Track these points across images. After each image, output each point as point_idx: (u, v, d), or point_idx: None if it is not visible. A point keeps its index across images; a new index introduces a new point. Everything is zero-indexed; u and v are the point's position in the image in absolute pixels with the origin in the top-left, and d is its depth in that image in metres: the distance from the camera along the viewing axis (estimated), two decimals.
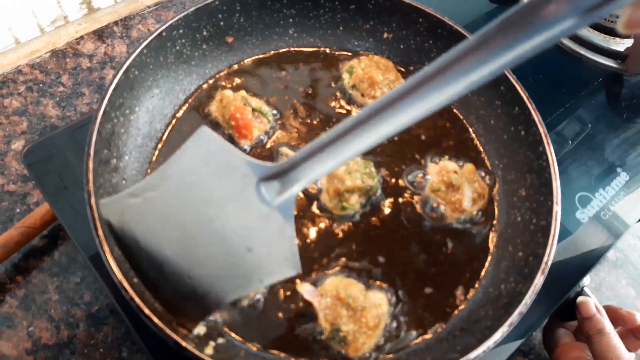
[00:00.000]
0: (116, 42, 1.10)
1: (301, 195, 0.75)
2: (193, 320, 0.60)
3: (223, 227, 0.55)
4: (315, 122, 0.82)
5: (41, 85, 1.03)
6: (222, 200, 0.55)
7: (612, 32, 1.04)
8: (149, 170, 0.72)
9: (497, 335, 0.58)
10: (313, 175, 0.52)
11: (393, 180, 0.78)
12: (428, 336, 0.66)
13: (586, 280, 0.82)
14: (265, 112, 0.79)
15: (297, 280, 0.67)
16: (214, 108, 0.78)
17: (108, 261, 0.55)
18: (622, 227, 0.85)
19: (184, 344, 0.53)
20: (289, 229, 0.55)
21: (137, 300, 0.54)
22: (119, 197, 0.59)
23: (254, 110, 0.77)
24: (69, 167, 0.78)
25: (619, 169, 0.91)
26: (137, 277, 0.58)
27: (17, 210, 0.90)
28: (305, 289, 0.64)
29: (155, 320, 0.53)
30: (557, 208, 0.67)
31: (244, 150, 0.77)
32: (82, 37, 1.10)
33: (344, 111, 0.83)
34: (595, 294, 0.82)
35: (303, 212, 0.73)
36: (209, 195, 0.56)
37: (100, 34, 1.11)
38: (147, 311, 0.54)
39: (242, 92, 0.78)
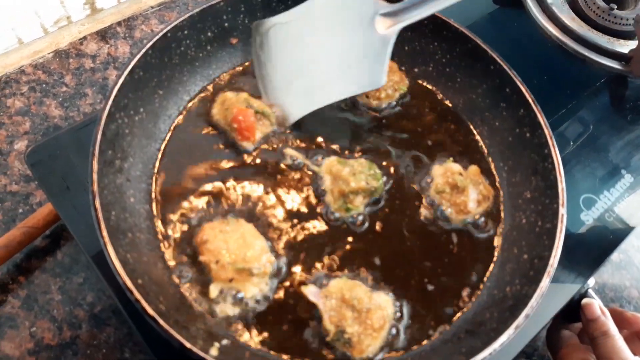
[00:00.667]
0: (119, 42, 1.10)
1: (308, 196, 0.75)
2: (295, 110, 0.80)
3: (337, 46, 0.78)
4: (319, 124, 0.81)
5: (44, 85, 1.03)
6: (344, 27, 0.77)
7: (616, 34, 1.04)
8: (154, 171, 0.72)
9: (504, 338, 0.58)
10: (414, 18, 0.74)
11: (398, 182, 0.77)
12: (433, 338, 0.66)
13: (590, 282, 0.81)
14: (268, 114, 0.79)
15: (305, 282, 0.68)
16: (215, 111, 0.78)
17: (113, 262, 0.55)
18: (626, 229, 0.85)
19: (188, 345, 0.53)
20: (384, 53, 0.75)
21: (142, 301, 0.53)
22: (268, 21, 0.80)
23: (256, 112, 0.77)
24: (72, 168, 0.78)
25: (623, 171, 0.90)
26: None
27: (20, 210, 0.90)
28: (310, 291, 0.64)
29: (161, 321, 0.53)
30: (563, 210, 0.67)
31: (247, 152, 0.77)
32: (85, 38, 1.09)
33: (346, 111, 0.83)
34: (598, 296, 0.82)
35: (308, 214, 0.73)
36: (334, 23, 0.78)
37: (103, 35, 1.11)
38: (151, 312, 0.53)
39: (244, 94, 0.78)
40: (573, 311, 0.82)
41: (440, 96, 0.86)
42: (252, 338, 0.63)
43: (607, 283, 1.00)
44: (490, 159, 0.80)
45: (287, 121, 0.80)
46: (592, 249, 0.83)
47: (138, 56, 0.69)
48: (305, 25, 0.78)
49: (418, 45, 0.86)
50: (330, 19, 0.77)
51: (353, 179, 0.71)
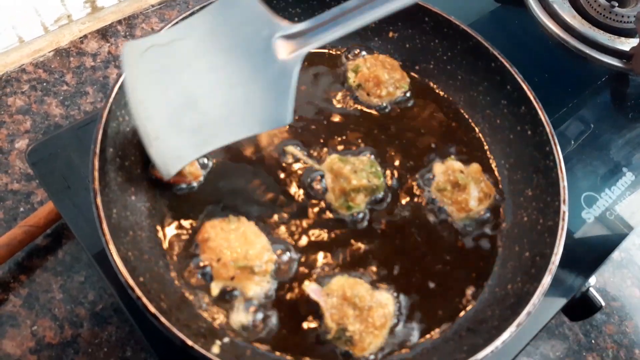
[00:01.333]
0: (120, 41, 1.10)
1: (309, 194, 0.75)
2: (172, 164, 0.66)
3: (230, 75, 0.64)
4: (320, 121, 0.81)
5: (45, 84, 1.03)
6: (237, 51, 0.63)
7: (617, 32, 1.04)
8: (156, 171, 0.72)
9: (505, 336, 0.58)
10: (323, 40, 0.61)
11: (399, 179, 0.77)
12: (434, 336, 0.66)
13: (592, 281, 0.81)
14: None
15: (306, 280, 0.68)
16: None
17: (114, 260, 0.55)
18: (627, 227, 0.85)
19: (190, 342, 0.53)
20: (289, 86, 0.61)
21: (144, 299, 0.53)
22: (143, 41, 0.65)
23: None
24: (73, 167, 0.78)
25: (624, 169, 0.90)
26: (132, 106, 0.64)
27: (21, 209, 0.90)
28: (311, 288, 0.64)
29: (162, 319, 0.53)
30: (565, 208, 0.67)
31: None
32: (85, 36, 1.10)
33: (349, 110, 0.83)
34: (600, 294, 0.82)
35: (309, 212, 0.73)
36: (225, 45, 0.64)
37: (104, 33, 1.11)
38: (153, 310, 0.53)
39: None
40: (575, 309, 0.82)
41: (441, 94, 0.86)
42: (252, 336, 0.63)
43: (608, 282, 1.00)
44: (491, 157, 0.80)
45: (165, 172, 0.66)
46: (593, 247, 0.83)
47: None
48: (191, 47, 0.65)
49: (419, 42, 0.86)
50: (220, 40, 0.64)
51: (354, 176, 0.71)
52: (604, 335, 0.95)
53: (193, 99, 0.64)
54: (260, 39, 0.62)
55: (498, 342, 0.57)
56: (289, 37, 0.62)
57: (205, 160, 0.75)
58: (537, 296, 0.60)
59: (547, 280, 0.62)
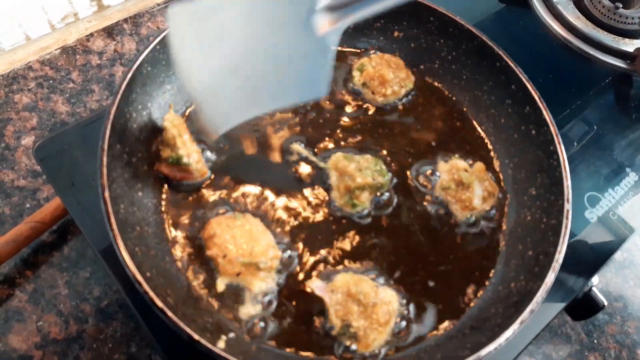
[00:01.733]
0: (126, 39, 1.11)
1: (314, 191, 0.75)
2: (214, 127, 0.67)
3: (272, 45, 0.64)
4: (325, 120, 0.82)
5: (51, 81, 1.03)
6: (277, 22, 0.64)
7: (621, 33, 1.05)
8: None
9: (509, 333, 0.58)
10: (361, 14, 0.61)
11: (403, 178, 0.78)
12: (438, 333, 0.66)
13: (594, 280, 0.82)
14: None
15: (311, 277, 0.68)
16: None
17: (122, 255, 0.55)
18: (630, 228, 0.85)
19: (196, 337, 0.53)
20: (327, 59, 0.63)
21: (151, 293, 0.54)
22: (189, 4, 0.64)
23: None
24: (78, 164, 0.79)
25: (628, 169, 0.91)
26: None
27: (27, 205, 0.90)
28: (316, 285, 0.65)
29: (169, 313, 0.54)
30: (568, 207, 0.67)
31: None
32: (92, 34, 1.10)
33: (354, 109, 0.84)
34: (602, 294, 0.82)
35: (314, 210, 0.74)
36: (269, 17, 0.64)
37: (110, 31, 1.11)
38: (160, 304, 0.54)
39: None
40: (578, 309, 0.82)
41: (446, 93, 0.87)
42: (258, 331, 0.64)
43: (610, 282, 1.01)
44: (495, 156, 0.81)
45: (212, 132, 0.68)
46: (596, 247, 0.83)
47: (146, 52, 0.69)
48: (234, 15, 0.65)
49: (424, 42, 0.86)
50: (262, 11, 0.64)
51: (359, 174, 0.72)
52: (606, 335, 0.95)
53: (236, 65, 0.65)
54: (300, 12, 0.62)
55: (501, 339, 0.57)
56: (329, 9, 0.62)
57: (213, 157, 0.76)
58: (541, 294, 0.61)
59: (550, 278, 0.62)
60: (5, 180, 0.92)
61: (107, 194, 0.59)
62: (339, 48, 0.89)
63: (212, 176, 0.74)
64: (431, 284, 0.70)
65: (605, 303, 0.81)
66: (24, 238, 0.83)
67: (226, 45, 0.65)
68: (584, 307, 0.82)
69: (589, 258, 0.82)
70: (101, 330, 0.82)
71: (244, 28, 0.65)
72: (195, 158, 0.72)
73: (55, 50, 1.07)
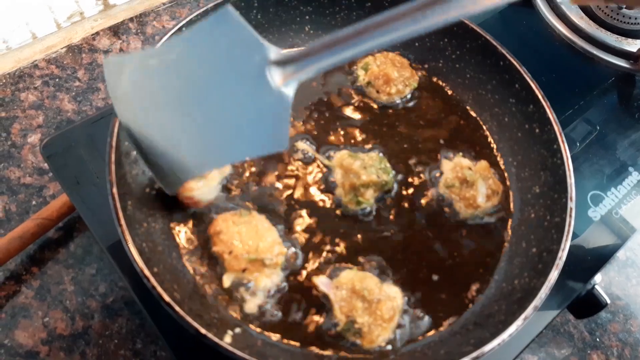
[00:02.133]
0: (131, 38, 1.11)
1: (319, 189, 0.76)
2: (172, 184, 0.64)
3: (222, 99, 0.60)
4: (329, 118, 0.82)
5: (57, 80, 1.04)
6: (228, 75, 0.60)
7: (625, 33, 1.05)
8: None
9: (512, 329, 0.58)
10: (318, 67, 0.57)
11: (408, 175, 0.78)
12: (441, 330, 0.67)
13: (597, 278, 0.82)
14: None
15: (316, 273, 0.69)
16: None
17: (130, 250, 0.56)
18: (633, 226, 0.86)
19: (203, 331, 0.54)
20: (285, 112, 0.59)
21: (159, 288, 0.55)
22: (123, 58, 0.63)
23: None
24: (85, 161, 0.79)
25: (630, 169, 0.91)
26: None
27: (33, 202, 0.91)
28: (321, 281, 0.65)
29: (177, 308, 0.54)
30: (572, 205, 0.68)
31: None
32: (97, 33, 1.11)
33: (359, 107, 0.84)
34: (605, 293, 0.82)
35: (319, 207, 0.74)
36: (216, 68, 0.60)
37: (115, 30, 1.12)
38: (168, 299, 0.54)
39: None
40: (581, 307, 0.82)
41: (450, 92, 0.87)
42: (264, 327, 0.64)
43: (613, 281, 1.01)
44: (499, 154, 0.81)
45: (169, 188, 0.66)
46: (599, 246, 0.84)
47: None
48: (182, 67, 0.61)
49: (428, 41, 0.87)
50: (212, 62, 0.61)
51: (364, 172, 0.72)
52: (609, 333, 0.96)
53: (187, 119, 0.61)
54: (252, 64, 0.59)
55: (505, 335, 0.58)
56: (281, 63, 0.58)
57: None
58: (544, 291, 0.61)
59: (554, 275, 0.63)
60: (11, 177, 0.92)
61: (115, 190, 0.59)
62: None
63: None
64: (435, 280, 0.70)
65: (608, 301, 0.81)
66: (30, 235, 0.83)
67: (173, 98, 0.61)
68: (586, 305, 0.82)
69: (592, 256, 0.82)
70: (107, 326, 0.82)
71: (191, 80, 0.61)
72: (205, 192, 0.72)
73: (62, 48, 1.08)
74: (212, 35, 0.60)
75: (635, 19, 1.05)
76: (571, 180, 0.69)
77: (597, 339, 0.95)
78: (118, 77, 0.63)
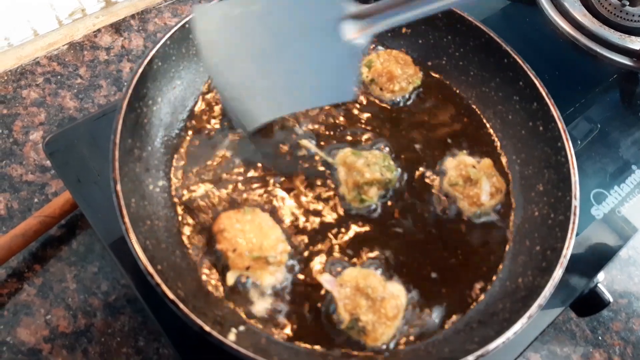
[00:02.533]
0: (133, 35, 1.11)
1: (322, 187, 0.76)
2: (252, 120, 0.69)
3: (298, 49, 0.66)
4: (333, 116, 0.82)
5: (59, 77, 1.04)
6: (305, 27, 0.66)
7: (628, 30, 1.05)
8: (172, 161, 0.73)
9: (517, 327, 0.58)
10: (390, 22, 0.63)
11: (411, 173, 0.78)
12: (446, 328, 0.67)
13: (600, 277, 0.82)
14: None
15: (320, 271, 0.69)
16: None
17: (134, 247, 0.56)
18: (635, 225, 0.86)
19: (207, 328, 0.54)
20: (354, 64, 0.66)
21: (163, 285, 0.54)
22: (212, 6, 0.69)
23: None
24: (88, 158, 0.79)
25: (634, 167, 0.91)
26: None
27: (35, 200, 0.91)
28: (325, 279, 0.65)
29: (181, 305, 0.54)
30: (576, 203, 0.68)
31: None
32: (99, 30, 1.10)
33: (363, 105, 0.84)
34: (607, 291, 0.82)
35: (323, 205, 0.74)
36: (295, 20, 0.67)
37: (117, 27, 1.11)
38: (172, 296, 0.54)
39: None
40: (583, 305, 0.82)
41: (453, 89, 0.87)
42: (267, 325, 0.64)
43: (615, 279, 1.01)
44: (503, 152, 0.81)
45: (245, 127, 0.71)
46: (602, 244, 0.83)
47: (157, 47, 0.70)
48: (261, 18, 0.67)
49: (432, 38, 0.87)
50: (289, 16, 0.67)
51: (367, 170, 0.72)
52: (611, 332, 0.96)
53: (265, 67, 0.67)
54: (328, 18, 0.64)
55: (510, 333, 0.58)
56: (356, 17, 0.64)
57: None
58: (549, 289, 0.61)
59: (558, 273, 0.63)
60: (13, 175, 0.92)
61: (119, 187, 0.59)
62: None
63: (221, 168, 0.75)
64: (439, 278, 0.70)
65: (611, 300, 0.81)
66: (32, 232, 0.83)
67: (253, 47, 0.67)
68: (589, 303, 0.82)
69: (595, 255, 0.82)
70: (109, 324, 0.82)
71: (270, 31, 0.67)
72: None
73: (63, 46, 1.08)
74: None
75: (639, 16, 1.05)
76: (575, 178, 0.69)
77: (600, 337, 0.95)
78: (205, 24, 0.68)
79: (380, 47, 0.89)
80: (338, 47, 0.65)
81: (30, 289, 0.84)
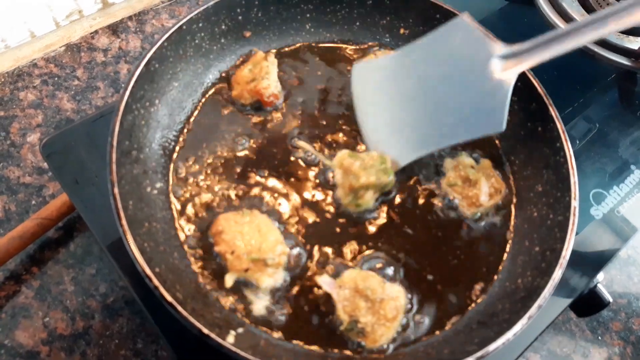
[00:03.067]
0: (130, 36, 1.11)
1: (320, 189, 0.75)
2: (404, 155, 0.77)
3: (449, 90, 0.73)
4: (332, 117, 0.82)
5: (56, 78, 1.04)
6: (455, 70, 0.72)
7: (626, 30, 1.05)
8: (170, 162, 0.73)
9: (517, 328, 0.58)
10: (537, 59, 0.68)
11: (409, 174, 0.78)
12: (445, 328, 0.66)
13: (600, 277, 0.82)
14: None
15: (318, 273, 0.68)
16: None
17: (132, 250, 0.56)
18: (635, 225, 0.86)
19: (206, 331, 0.54)
20: (504, 98, 0.69)
21: (161, 288, 0.54)
22: (368, 64, 0.81)
23: None
24: (84, 160, 0.79)
25: (633, 167, 0.91)
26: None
27: (33, 202, 0.91)
28: (324, 281, 0.65)
29: (179, 308, 0.54)
30: (575, 203, 0.68)
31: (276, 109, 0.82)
32: (96, 32, 1.10)
33: None
34: (607, 292, 0.82)
35: (320, 207, 0.74)
36: (445, 66, 0.73)
37: (114, 29, 1.11)
38: (170, 299, 0.54)
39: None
40: (583, 305, 0.82)
41: None
42: (267, 326, 0.64)
43: (615, 279, 1.01)
44: (501, 153, 0.81)
45: (397, 165, 0.76)
46: (601, 244, 0.83)
47: (154, 48, 0.69)
48: (411, 68, 0.76)
49: None
50: (440, 62, 0.74)
51: (363, 173, 0.71)
52: (611, 331, 0.96)
53: (414, 108, 0.75)
54: (478, 60, 0.70)
55: (509, 334, 0.58)
56: (505, 57, 0.69)
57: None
58: (548, 290, 0.61)
59: (558, 274, 0.62)
60: (10, 177, 0.92)
61: (116, 190, 0.59)
62: (344, 45, 0.89)
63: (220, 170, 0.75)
64: (438, 279, 0.70)
65: (610, 300, 0.81)
66: (30, 234, 0.83)
67: (404, 92, 0.76)
68: (589, 303, 0.82)
69: (595, 255, 0.82)
70: (107, 326, 0.82)
71: (420, 78, 0.74)
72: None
73: (60, 47, 1.07)
74: (444, 39, 0.73)
75: None
76: (575, 178, 0.69)
77: (599, 337, 0.95)
78: (361, 79, 0.80)
79: (376, 47, 0.89)
80: (486, 83, 0.70)
81: (28, 292, 0.84)
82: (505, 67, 0.69)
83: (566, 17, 1.05)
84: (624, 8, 0.62)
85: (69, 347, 0.80)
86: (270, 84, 0.79)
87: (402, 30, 0.88)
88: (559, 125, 0.73)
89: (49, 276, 0.85)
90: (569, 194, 0.68)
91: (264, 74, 0.79)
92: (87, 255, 0.87)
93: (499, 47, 0.69)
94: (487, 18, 1.03)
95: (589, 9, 1.07)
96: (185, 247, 0.68)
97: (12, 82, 1.02)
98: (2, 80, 1.02)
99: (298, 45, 0.88)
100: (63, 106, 1.01)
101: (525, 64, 0.68)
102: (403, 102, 0.76)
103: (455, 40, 0.72)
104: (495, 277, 0.71)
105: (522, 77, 0.77)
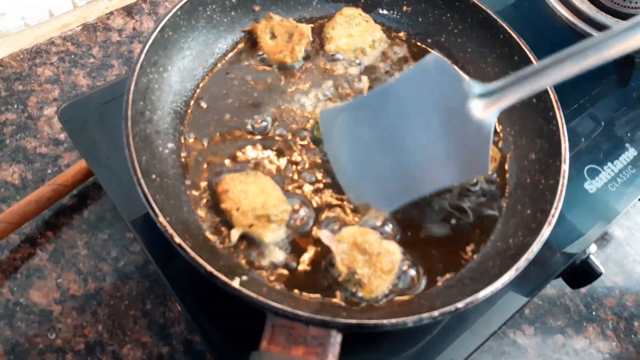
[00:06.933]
0: (144, 18, 1.15)
1: (321, 153, 0.79)
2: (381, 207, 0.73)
3: (425, 134, 0.69)
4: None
5: (72, 56, 1.08)
6: (431, 112, 0.68)
7: (626, 17, 1.07)
8: (181, 126, 0.77)
9: (505, 278, 0.61)
10: (516, 97, 0.64)
11: None
12: (438, 285, 0.69)
13: (592, 248, 0.84)
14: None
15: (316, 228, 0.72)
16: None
17: (144, 192, 0.60)
18: (628, 199, 0.88)
19: (213, 271, 0.57)
20: (486, 139, 0.65)
21: (170, 230, 0.58)
22: (335, 110, 0.76)
23: None
24: (101, 125, 0.83)
25: (627, 145, 0.93)
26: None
27: (49, 171, 0.94)
28: (323, 234, 0.68)
29: (188, 249, 0.57)
30: (565, 167, 0.70)
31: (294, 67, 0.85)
32: (112, 13, 1.15)
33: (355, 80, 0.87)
34: (602, 269, 0.84)
35: (323, 169, 0.77)
36: (420, 108, 0.69)
37: (129, 10, 1.15)
38: (178, 240, 0.57)
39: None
40: (575, 276, 0.85)
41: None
42: (269, 275, 0.68)
43: (610, 258, 1.03)
44: (497, 123, 0.83)
45: (381, 214, 0.73)
46: (594, 217, 0.85)
47: (169, 15, 0.73)
48: (383, 113, 0.71)
49: (432, 16, 0.90)
50: (414, 103, 0.69)
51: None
52: (605, 307, 0.98)
53: (391, 157, 0.71)
54: (455, 100, 0.66)
55: (499, 284, 0.60)
56: (483, 96, 0.65)
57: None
58: (537, 245, 0.64)
59: (546, 231, 0.65)
60: (28, 147, 0.96)
61: (131, 141, 0.62)
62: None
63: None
64: (434, 240, 0.73)
65: (603, 270, 0.83)
66: (46, 199, 0.86)
67: (378, 138, 0.71)
68: (581, 274, 0.84)
69: (587, 227, 0.84)
70: (118, 288, 0.86)
71: (393, 121, 0.70)
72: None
73: (77, 27, 1.12)
74: (416, 80, 0.69)
75: (637, 2, 1.07)
76: (565, 144, 0.72)
77: (593, 312, 0.97)
78: (330, 126, 0.75)
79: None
80: (466, 125, 0.66)
81: (43, 254, 0.87)
82: (484, 106, 0.65)
83: (566, 3, 1.08)
84: (603, 39, 0.60)
85: (81, 307, 0.84)
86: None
87: (404, 8, 0.91)
88: (552, 95, 0.75)
89: (63, 240, 0.89)
90: (559, 159, 0.71)
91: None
92: (100, 221, 0.91)
93: (476, 86, 0.66)
94: (487, 2, 1.05)
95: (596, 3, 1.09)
96: (194, 203, 0.71)
97: (31, 58, 1.06)
98: (21, 56, 1.06)
99: (304, 20, 0.91)
100: (79, 82, 1.05)
101: (504, 102, 0.65)
102: (379, 147, 0.72)
103: (429, 80, 0.68)
104: (488, 239, 0.73)
105: (518, 51, 0.81)
